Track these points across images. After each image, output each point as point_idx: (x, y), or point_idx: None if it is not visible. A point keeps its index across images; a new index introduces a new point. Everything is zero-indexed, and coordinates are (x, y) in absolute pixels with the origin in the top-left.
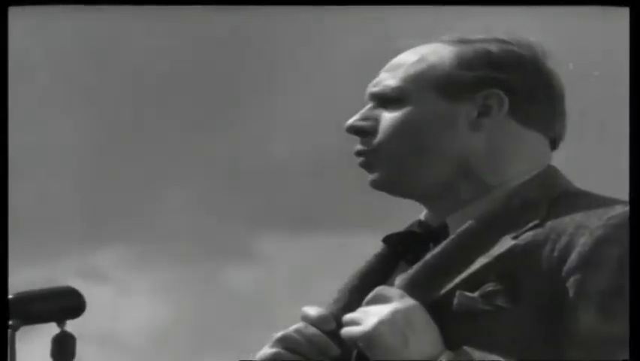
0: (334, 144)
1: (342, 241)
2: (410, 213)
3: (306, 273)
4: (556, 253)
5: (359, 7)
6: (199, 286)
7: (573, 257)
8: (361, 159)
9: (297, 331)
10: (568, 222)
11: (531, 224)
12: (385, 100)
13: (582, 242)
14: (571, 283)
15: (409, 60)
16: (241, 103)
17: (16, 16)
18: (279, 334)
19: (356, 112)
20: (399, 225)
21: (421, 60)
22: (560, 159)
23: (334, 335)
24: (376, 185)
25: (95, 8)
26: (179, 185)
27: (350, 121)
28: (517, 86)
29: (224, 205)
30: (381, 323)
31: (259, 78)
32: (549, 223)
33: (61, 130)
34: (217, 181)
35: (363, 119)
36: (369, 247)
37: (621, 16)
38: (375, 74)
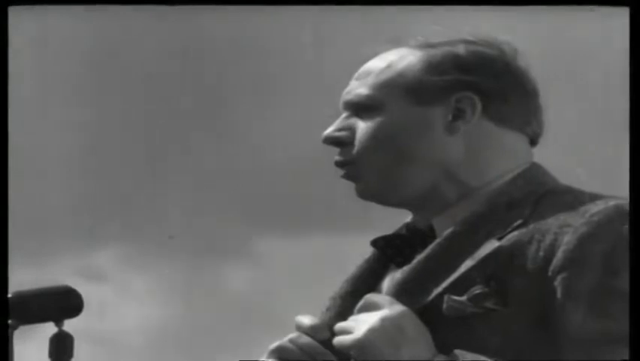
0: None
1: (342, 241)
2: (409, 213)
3: (305, 273)
4: (541, 253)
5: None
6: (198, 286)
7: (559, 256)
8: (343, 171)
9: (291, 341)
10: (551, 221)
11: (515, 224)
12: (358, 108)
13: (566, 240)
14: (558, 282)
15: (377, 67)
16: (240, 103)
17: (16, 16)
18: (274, 345)
19: None
20: (398, 225)
21: (388, 67)
22: (559, 159)
23: (328, 343)
24: (363, 196)
25: (95, 8)
26: (179, 185)
27: (326, 132)
28: (487, 87)
29: (224, 205)
30: (371, 331)
31: (257, 78)
32: (533, 223)
33: (61, 130)
34: (216, 181)
35: (339, 129)
36: (368, 247)
37: (621, 16)
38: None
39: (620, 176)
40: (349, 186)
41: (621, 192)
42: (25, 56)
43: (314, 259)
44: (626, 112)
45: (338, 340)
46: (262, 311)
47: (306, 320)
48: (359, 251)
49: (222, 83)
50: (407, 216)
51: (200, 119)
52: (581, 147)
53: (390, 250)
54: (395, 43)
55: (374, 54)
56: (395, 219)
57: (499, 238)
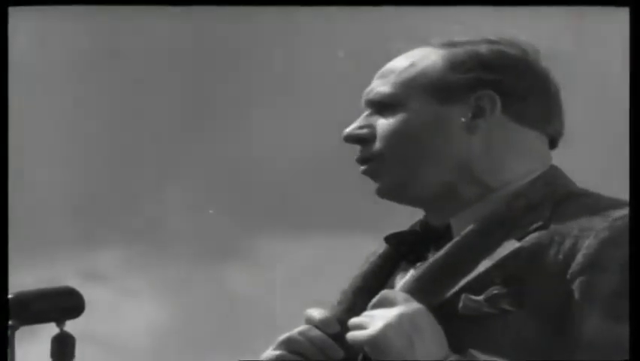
0: (334, 146)
1: (342, 241)
2: (410, 214)
3: (306, 274)
4: (561, 256)
5: (356, 7)
6: (199, 287)
7: (578, 259)
8: (364, 167)
9: (301, 333)
10: (572, 223)
11: (535, 226)
12: (380, 107)
13: (587, 244)
14: (576, 285)
15: (400, 66)
16: (242, 104)
17: (16, 16)
18: (283, 336)
19: (356, 114)
20: (398, 226)
21: (412, 65)
22: (560, 159)
23: (338, 337)
24: (382, 193)
25: (95, 8)
26: (179, 185)
27: (347, 130)
28: (509, 86)
29: (225, 206)
30: (388, 327)
31: (260, 78)
32: (553, 225)
33: (61, 130)
34: (217, 181)
35: (360, 127)
36: (368, 248)
37: (621, 16)
38: (372, 75)
39: (620, 176)
40: (349, 188)
41: (621, 192)
42: (25, 56)
43: (314, 260)
44: (626, 112)
45: (352, 335)
46: (262, 311)
47: (317, 313)
48: (359, 252)
49: (225, 83)
50: (412, 217)
51: (201, 120)
52: (580, 147)
53: (403, 247)
54: (418, 42)
55: (397, 53)
56: (397, 221)
57: (519, 239)
